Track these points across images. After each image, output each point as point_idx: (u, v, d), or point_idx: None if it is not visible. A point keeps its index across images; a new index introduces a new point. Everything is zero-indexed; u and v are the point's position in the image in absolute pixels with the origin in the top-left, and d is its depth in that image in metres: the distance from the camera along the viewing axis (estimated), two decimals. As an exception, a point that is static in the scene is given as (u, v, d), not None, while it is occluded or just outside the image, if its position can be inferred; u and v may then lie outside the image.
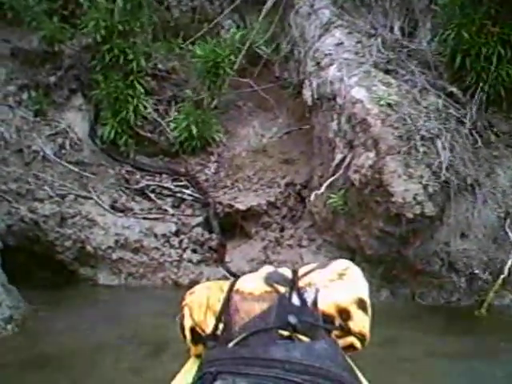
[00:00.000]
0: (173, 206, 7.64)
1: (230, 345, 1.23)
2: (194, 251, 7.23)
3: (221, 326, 1.31)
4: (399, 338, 6.10)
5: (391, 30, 7.80)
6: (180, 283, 7.05)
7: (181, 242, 7.24)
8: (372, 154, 6.37)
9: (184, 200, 7.73)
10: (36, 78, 8.36)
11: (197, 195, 7.73)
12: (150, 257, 7.08)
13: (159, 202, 7.64)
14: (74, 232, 6.91)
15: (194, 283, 6.91)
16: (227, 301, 1.33)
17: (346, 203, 6.69)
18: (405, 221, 6.15)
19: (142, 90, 8.09)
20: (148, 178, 7.94)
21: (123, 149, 8.11)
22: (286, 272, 1.38)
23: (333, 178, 6.71)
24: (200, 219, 7.46)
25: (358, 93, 6.76)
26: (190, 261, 7.17)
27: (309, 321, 1.26)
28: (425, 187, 6.16)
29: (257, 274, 1.38)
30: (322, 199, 6.96)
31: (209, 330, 1.33)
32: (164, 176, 8.01)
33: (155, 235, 7.16)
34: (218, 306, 1.33)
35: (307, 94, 7.59)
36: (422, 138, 6.43)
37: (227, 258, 7.27)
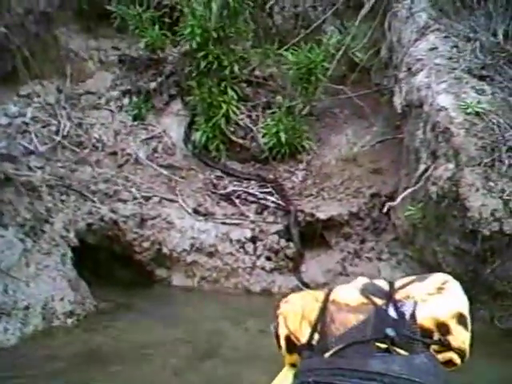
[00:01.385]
0: (256, 213, 7.57)
1: (327, 355, 1.24)
2: (269, 259, 7.12)
3: (316, 335, 1.32)
4: (474, 364, 5.64)
5: (494, 33, 7.24)
6: (251, 290, 6.98)
7: (256, 248, 7.15)
8: (451, 166, 5.95)
9: (267, 207, 7.64)
10: (138, 84, 8.69)
11: (280, 202, 7.61)
12: (224, 262, 7.06)
13: (243, 207, 7.61)
14: (153, 233, 7.05)
15: (265, 291, 6.90)
16: (323, 311, 1.33)
17: (424, 216, 6.30)
18: (481, 238, 5.68)
19: (235, 96, 8.13)
20: (236, 183, 7.94)
21: (214, 154, 8.19)
22: (383, 284, 1.36)
23: (410, 190, 6.34)
24: (279, 227, 7.31)
25: (444, 100, 6.34)
26: (263, 268, 7.06)
27: (407, 334, 1.24)
28: (506, 203, 5.65)
29: (352, 285, 1.37)
30: (404, 212, 6.61)
31: (304, 339, 1.34)
32: (252, 182, 7.97)
33: (230, 240, 7.14)
34: (313, 316, 1.34)
35: (397, 101, 7.26)
36: (510, 149, 5.92)
37: (303, 268, 7.08)
